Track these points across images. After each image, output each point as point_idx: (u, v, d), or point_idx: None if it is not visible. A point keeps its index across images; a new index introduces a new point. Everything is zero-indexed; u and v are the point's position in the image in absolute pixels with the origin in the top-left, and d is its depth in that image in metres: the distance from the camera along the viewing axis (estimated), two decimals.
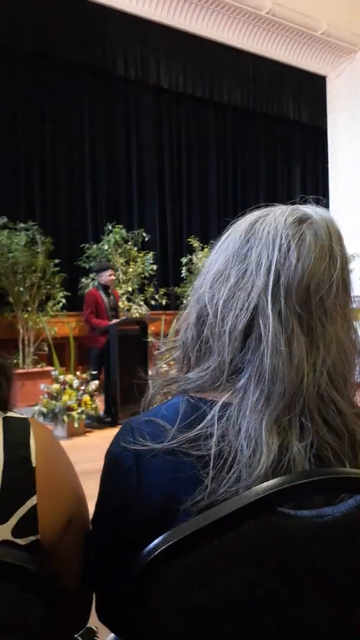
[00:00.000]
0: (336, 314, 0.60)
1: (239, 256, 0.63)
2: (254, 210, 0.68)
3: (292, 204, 0.67)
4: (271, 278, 0.59)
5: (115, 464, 0.63)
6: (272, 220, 0.63)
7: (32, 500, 0.59)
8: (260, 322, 0.58)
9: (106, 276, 5.34)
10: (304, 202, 0.68)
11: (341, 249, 0.62)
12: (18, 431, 0.62)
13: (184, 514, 0.54)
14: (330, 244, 0.61)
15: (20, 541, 0.58)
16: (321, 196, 0.72)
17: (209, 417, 0.59)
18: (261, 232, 0.62)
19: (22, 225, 6.19)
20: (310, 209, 0.64)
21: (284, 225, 0.61)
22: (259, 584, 0.50)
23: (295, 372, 0.57)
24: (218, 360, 0.61)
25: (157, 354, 0.75)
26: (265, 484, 0.49)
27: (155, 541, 0.50)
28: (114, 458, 0.63)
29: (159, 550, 0.49)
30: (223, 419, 0.58)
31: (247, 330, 0.60)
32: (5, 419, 0.63)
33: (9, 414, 0.65)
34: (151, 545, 0.50)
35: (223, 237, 0.68)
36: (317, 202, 0.67)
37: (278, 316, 0.58)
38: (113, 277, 5.50)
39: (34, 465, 0.60)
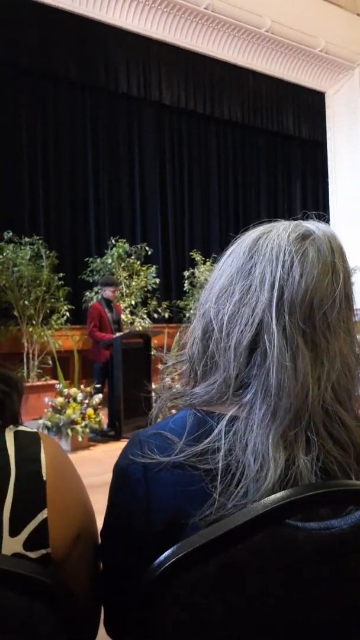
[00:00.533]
0: (339, 328, 0.61)
1: (243, 272, 0.63)
2: (257, 225, 0.69)
3: (295, 219, 0.68)
4: (275, 294, 0.60)
5: (124, 476, 0.63)
6: (275, 236, 0.64)
7: (43, 514, 0.60)
8: (265, 337, 0.59)
9: (109, 292, 5.40)
10: (306, 217, 0.69)
11: (343, 264, 0.63)
12: (29, 445, 0.63)
13: (192, 528, 0.55)
14: (332, 259, 0.62)
15: (32, 554, 0.59)
16: (321, 210, 0.73)
17: (216, 431, 0.59)
18: (265, 248, 0.63)
19: (27, 239, 6.25)
20: (313, 225, 0.65)
21: (287, 242, 0.62)
22: (268, 595, 0.51)
23: (300, 387, 0.57)
24: (224, 375, 0.62)
25: (163, 368, 0.76)
26: (273, 497, 0.50)
27: (165, 553, 0.50)
28: (122, 471, 0.64)
29: (169, 563, 0.50)
30: (230, 433, 0.59)
31: (252, 345, 0.61)
32: (16, 433, 0.64)
33: (19, 428, 0.65)
34: (161, 557, 0.50)
35: (227, 253, 0.69)
36: (319, 218, 0.68)
37: (283, 332, 0.59)
38: (116, 294, 5.54)
39: (44, 479, 0.61)
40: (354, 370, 0.61)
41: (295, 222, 0.66)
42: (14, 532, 0.58)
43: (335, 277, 0.61)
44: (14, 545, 0.57)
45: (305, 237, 0.63)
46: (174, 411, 0.68)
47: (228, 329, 0.62)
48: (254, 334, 0.60)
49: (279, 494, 0.50)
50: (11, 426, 0.65)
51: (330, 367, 0.59)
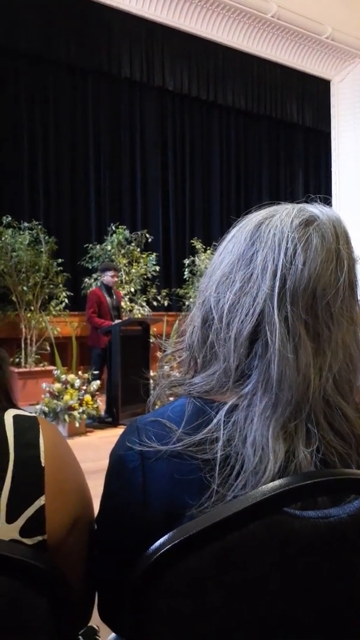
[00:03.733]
0: (342, 317, 0.59)
1: (245, 259, 0.62)
2: (259, 208, 0.66)
3: (298, 203, 0.66)
4: (277, 283, 0.58)
5: (120, 464, 0.62)
6: (278, 222, 0.61)
7: (41, 500, 0.59)
8: (267, 328, 0.58)
9: (108, 277, 5.35)
10: (311, 201, 0.66)
11: (348, 251, 0.61)
12: (28, 430, 0.62)
13: (188, 519, 0.54)
14: (337, 246, 0.60)
15: (28, 541, 0.58)
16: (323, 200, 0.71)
17: (214, 421, 0.58)
18: (267, 234, 0.61)
19: (26, 224, 6.22)
20: (317, 209, 0.63)
21: (290, 228, 0.60)
22: (264, 584, 0.50)
23: (302, 378, 0.56)
24: (224, 366, 0.61)
25: (162, 355, 0.75)
26: (271, 484, 0.49)
27: (160, 540, 0.50)
28: (119, 458, 0.63)
29: (164, 550, 0.49)
30: (229, 423, 0.58)
31: (253, 336, 0.59)
32: (15, 417, 0.63)
33: (19, 412, 0.65)
34: (156, 544, 0.50)
35: (228, 238, 0.66)
36: (325, 202, 0.66)
37: (284, 322, 0.57)
38: (115, 279, 5.50)
39: (43, 465, 0.61)
40: (356, 360, 0.60)
41: (299, 206, 0.64)
42: (11, 519, 0.57)
43: (340, 265, 0.59)
44: (10, 532, 0.57)
45: (309, 223, 0.61)
46: (171, 399, 0.67)
47: (228, 318, 0.61)
48: (254, 324, 0.59)
49: (277, 482, 0.49)
50: (10, 410, 0.64)
51: (333, 358, 0.58)
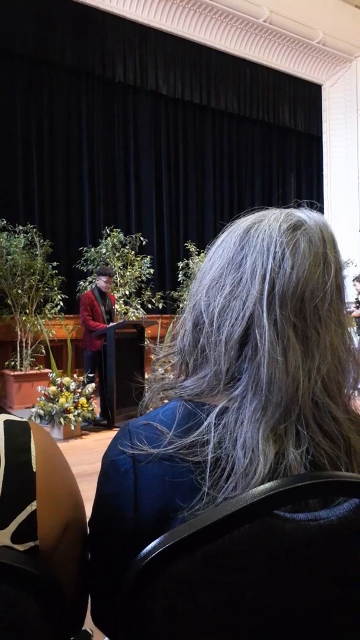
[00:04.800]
0: (330, 320, 0.60)
1: (234, 264, 0.62)
2: (248, 213, 0.67)
3: (287, 207, 0.67)
4: (266, 287, 0.59)
5: (113, 467, 0.63)
6: (266, 227, 0.62)
7: (32, 506, 0.59)
8: (256, 331, 0.58)
9: (102, 282, 5.36)
10: (298, 206, 0.67)
11: (335, 255, 0.62)
12: (19, 435, 0.62)
13: (180, 522, 0.55)
14: (324, 250, 0.60)
15: (19, 547, 0.58)
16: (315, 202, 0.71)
17: (205, 423, 0.59)
18: (255, 239, 0.62)
19: (21, 228, 6.21)
20: (304, 214, 0.64)
21: (278, 233, 0.61)
22: (255, 586, 0.51)
23: (291, 380, 0.57)
24: (214, 369, 0.62)
25: (155, 359, 0.75)
26: (261, 487, 0.49)
27: (152, 544, 0.50)
28: (111, 462, 0.63)
29: (155, 553, 0.49)
30: (220, 425, 0.58)
31: (243, 339, 0.60)
32: (5, 423, 0.63)
33: (9, 417, 0.65)
34: (147, 548, 0.50)
35: (217, 242, 0.67)
36: (312, 206, 0.66)
37: (274, 325, 0.58)
38: (108, 285, 5.49)
39: (34, 470, 0.60)
40: (344, 362, 0.61)
41: (287, 210, 0.65)
42: (2, 525, 0.57)
43: (327, 269, 0.60)
44: (1, 537, 0.57)
45: (297, 228, 0.62)
46: (166, 401, 0.68)
47: (219, 322, 0.62)
48: (244, 327, 0.60)
49: (267, 485, 0.50)
50: (0, 415, 0.64)
51: (321, 360, 0.59)
